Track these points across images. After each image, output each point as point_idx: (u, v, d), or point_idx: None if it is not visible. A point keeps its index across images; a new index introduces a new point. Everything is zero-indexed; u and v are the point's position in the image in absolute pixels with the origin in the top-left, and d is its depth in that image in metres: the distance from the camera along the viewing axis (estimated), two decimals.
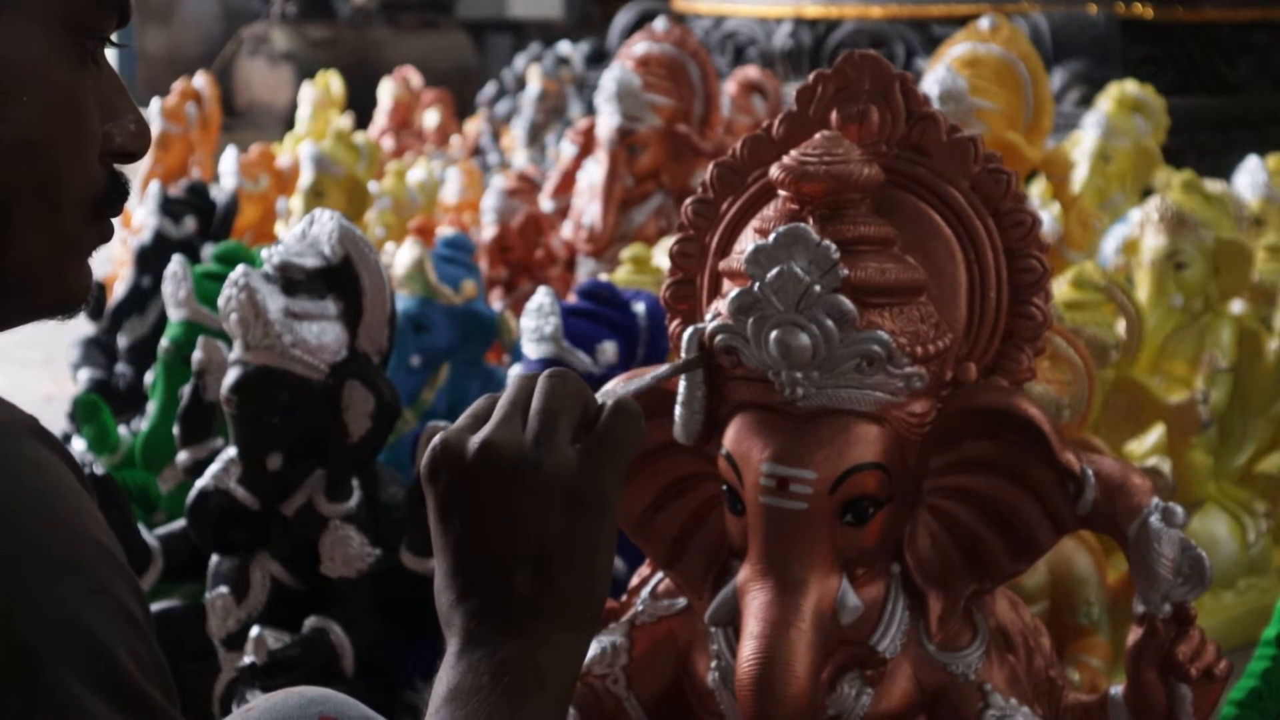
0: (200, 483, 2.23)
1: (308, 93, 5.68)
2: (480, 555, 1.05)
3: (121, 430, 3.26)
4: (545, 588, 1.04)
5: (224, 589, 2.23)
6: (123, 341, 3.85)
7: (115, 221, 1.10)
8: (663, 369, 1.44)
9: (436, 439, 1.08)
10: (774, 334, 1.46)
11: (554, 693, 1.03)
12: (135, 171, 5.00)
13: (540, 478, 1.04)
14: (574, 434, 1.07)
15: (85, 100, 1.03)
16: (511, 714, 1.01)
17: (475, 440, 1.06)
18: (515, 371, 2.49)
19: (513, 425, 1.06)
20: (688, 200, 1.67)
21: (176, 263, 2.93)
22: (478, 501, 1.05)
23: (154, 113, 4.85)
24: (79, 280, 1.08)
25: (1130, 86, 4.35)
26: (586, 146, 3.96)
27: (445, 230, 3.99)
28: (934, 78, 3.27)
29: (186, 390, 2.48)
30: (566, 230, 3.86)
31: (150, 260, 3.77)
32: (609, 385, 1.16)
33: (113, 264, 4.76)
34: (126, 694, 0.93)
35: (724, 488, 1.57)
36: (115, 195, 1.08)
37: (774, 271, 1.45)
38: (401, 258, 3.10)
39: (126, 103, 1.08)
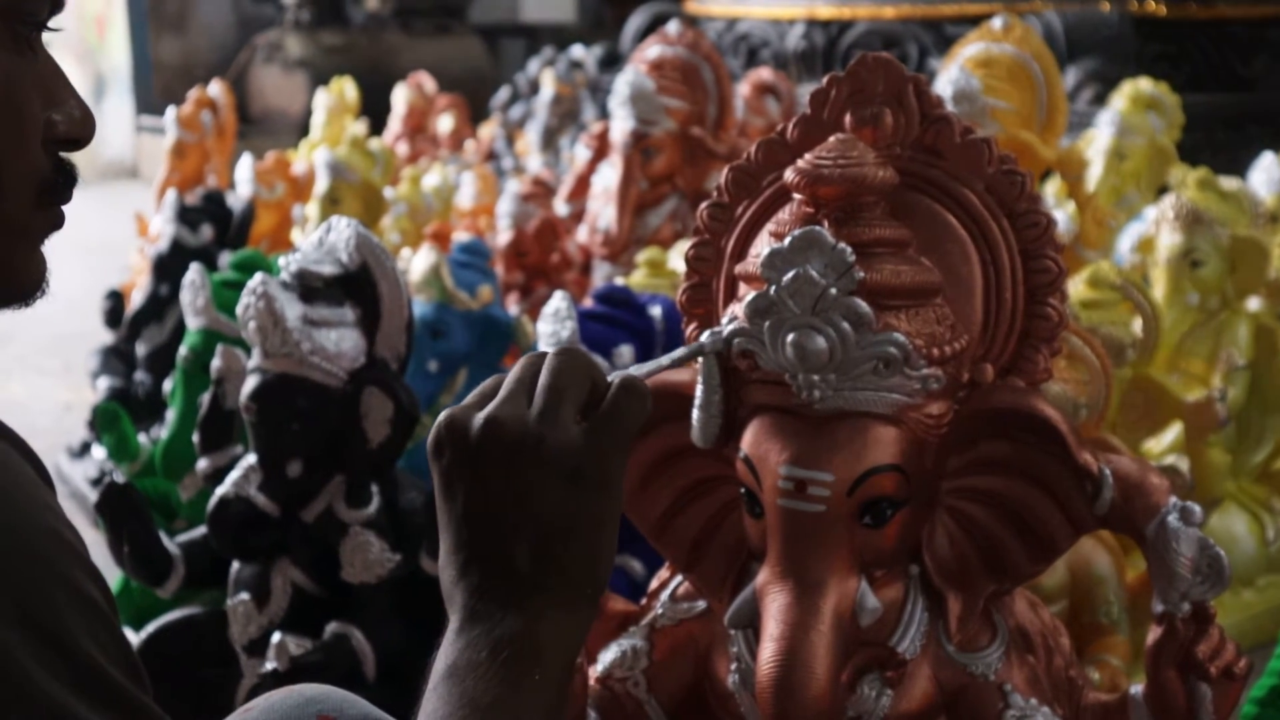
0: (220, 490, 2.24)
1: (322, 99, 5.68)
2: (481, 531, 1.05)
3: (141, 438, 3.28)
4: (546, 565, 1.04)
5: (245, 595, 2.24)
6: (141, 350, 3.86)
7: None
8: (677, 352, 1.42)
9: (442, 415, 1.07)
10: (790, 337, 1.46)
11: (552, 670, 1.03)
12: (152, 180, 5.02)
13: (542, 455, 1.04)
14: (581, 411, 1.06)
15: (21, 87, 1.03)
16: (508, 691, 1.00)
17: (479, 417, 1.05)
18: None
19: (517, 402, 1.06)
20: (703, 204, 1.68)
21: (194, 271, 2.94)
22: (480, 478, 1.05)
23: (170, 121, 4.87)
24: (28, 268, 1.08)
25: (1144, 84, 4.34)
26: (601, 150, 3.96)
27: (461, 235, 4.00)
28: (947, 78, 3.26)
29: (206, 398, 2.49)
30: (582, 234, 3.86)
31: (168, 268, 3.78)
32: (616, 374, 1.16)
33: (130, 273, 4.78)
34: (90, 679, 0.94)
35: (742, 490, 1.57)
36: (62, 182, 1.08)
37: (790, 275, 1.45)
38: (418, 263, 3.10)
39: (68, 89, 1.07)
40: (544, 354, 1.09)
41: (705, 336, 1.53)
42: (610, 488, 1.06)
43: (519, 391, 1.07)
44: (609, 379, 1.10)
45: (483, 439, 1.04)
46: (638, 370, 1.19)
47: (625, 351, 2.55)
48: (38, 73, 1.04)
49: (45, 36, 1.07)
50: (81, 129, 1.08)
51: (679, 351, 1.43)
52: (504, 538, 1.04)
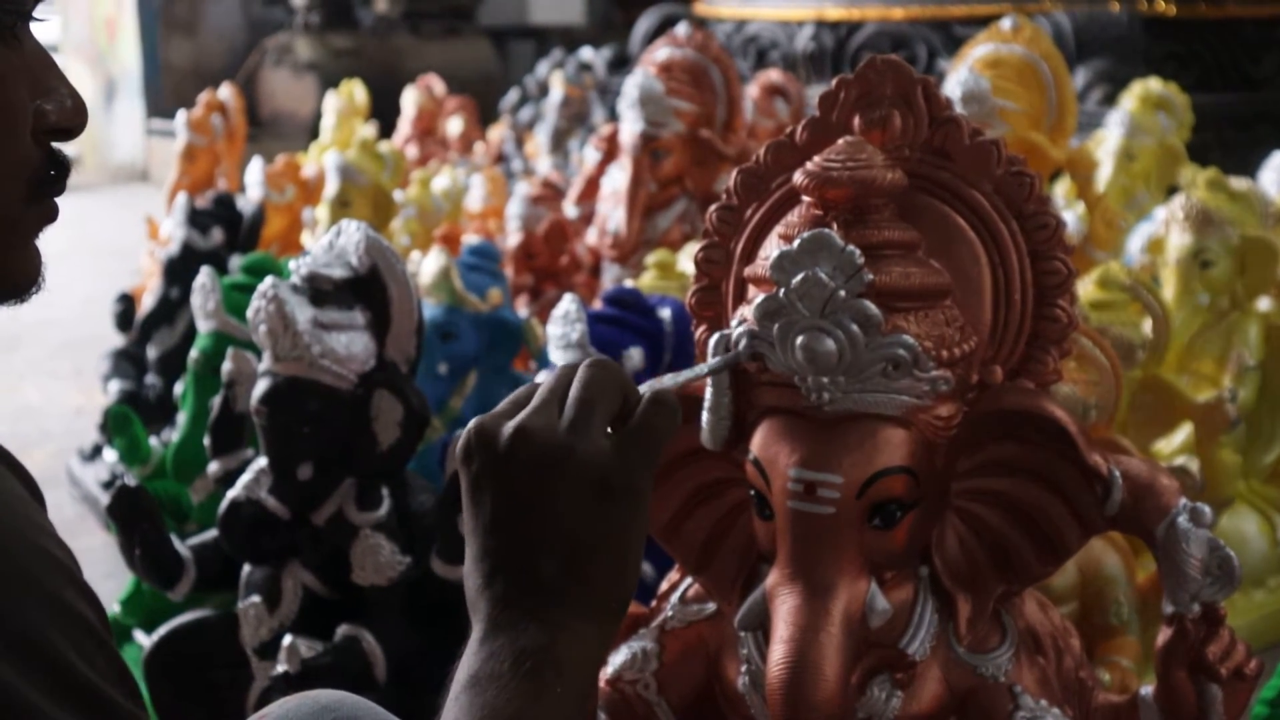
0: (231, 493, 2.25)
1: (332, 102, 5.69)
2: (507, 541, 1.04)
3: (152, 441, 3.29)
4: (571, 576, 1.04)
5: (256, 598, 2.25)
6: (152, 353, 3.88)
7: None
8: (704, 366, 1.45)
9: (472, 422, 1.07)
10: (800, 339, 1.46)
11: (574, 683, 1.02)
12: (162, 184, 5.03)
13: (572, 466, 1.03)
14: (610, 424, 1.06)
15: (9, 78, 1.01)
16: (529, 703, 0.99)
17: (510, 426, 1.05)
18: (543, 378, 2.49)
19: (548, 412, 1.06)
20: (712, 207, 1.68)
21: (205, 274, 2.95)
22: (508, 486, 1.04)
23: (180, 125, 4.88)
24: (22, 264, 1.06)
25: (1154, 84, 4.33)
26: (610, 152, 3.96)
27: (470, 238, 4.00)
28: (957, 79, 3.27)
29: (217, 401, 2.50)
30: (591, 236, 3.86)
31: (178, 272, 3.79)
32: (646, 384, 1.16)
33: (141, 276, 4.80)
34: (81, 695, 0.93)
35: (751, 493, 1.57)
36: (55, 173, 1.06)
37: (799, 277, 1.45)
38: (427, 266, 3.11)
39: (59, 78, 1.05)
40: (577, 365, 1.09)
41: (714, 340, 1.54)
42: (638, 501, 1.06)
43: (550, 402, 1.07)
44: (640, 391, 1.10)
45: (512, 448, 1.04)
46: (668, 381, 1.19)
47: (635, 354, 2.55)
48: (25, 62, 1.02)
49: (35, 27, 1.05)
50: (73, 117, 1.06)
51: (712, 363, 1.45)
52: (530, 548, 1.04)
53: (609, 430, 1.07)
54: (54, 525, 1.01)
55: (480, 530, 1.05)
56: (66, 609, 0.95)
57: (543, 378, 1.12)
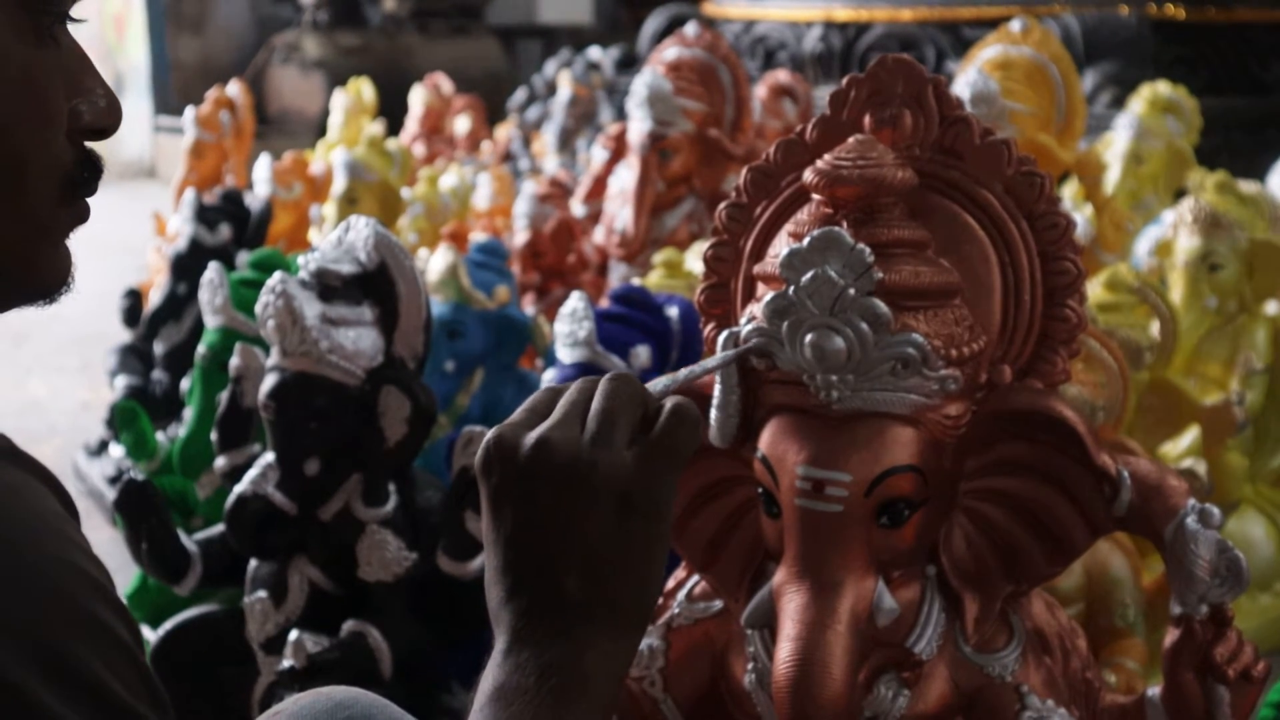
0: (238, 488, 2.24)
1: (339, 100, 5.70)
2: (530, 554, 1.04)
3: (159, 436, 3.28)
4: (594, 591, 1.03)
5: (262, 593, 2.25)
6: (159, 348, 3.87)
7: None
8: (713, 360, 1.44)
9: (492, 432, 1.06)
10: (809, 337, 1.46)
11: (598, 698, 1.02)
12: (170, 180, 5.03)
13: (595, 480, 1.03)
14: (631, 436, 1.06)
15: (46, 78, 1.00)
16: (555, 717, 1.00)
17: (531, 437, 1.04)
18: (549, 376, 2.50)
19: (571, 425, 1.05)
20: (722, 204, 1.68)
21: (213, 270, 2.95)
22: (530, 499, 1.04)
23: (188, 121, 4.89)
24: (54, 265, 1.05)
25: (1162, 87, 4.33)
26: (618, 151, 3.96)
27: (478, 236, 4.00)
28: (965, 80, 3.26)
29: (224, 396, 2.49)
30: (598, 235, 3.86)
31: (186, 268, 3.79)
32: (653, 382, 1.15)
33: (148, 272, 4.80)
34: (110, 713, 0.93)
35: (759, 490, 1.58)
36: (88, 174, 1.05)
37: (808, 275, 1.45)
38: (435, 263, 3.11)
39: (94, 78, 1.05)
40: (598, 378, 1.08)
41: (723, 337, 1.54)
42: (661, 516, 1.06)
43: (573, 414, 1.06)
44: (659, 399, 1.09)
45: (534, 461, 1.04)
46: (663, 384, 1.18)
47: (642, 352, 2.55)
48: (62, 62, 1.02)
49: (70, 27, 1.04)
50: (107, 117, 1.05)
51: (716, 359, 1.45)
52: (553, 563, 1.04)
53: (631, 442, 1.06)
54: (89, 542, 1.00)
55: (501, 543, 1.05)
56: (98, 625, 0.95)
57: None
